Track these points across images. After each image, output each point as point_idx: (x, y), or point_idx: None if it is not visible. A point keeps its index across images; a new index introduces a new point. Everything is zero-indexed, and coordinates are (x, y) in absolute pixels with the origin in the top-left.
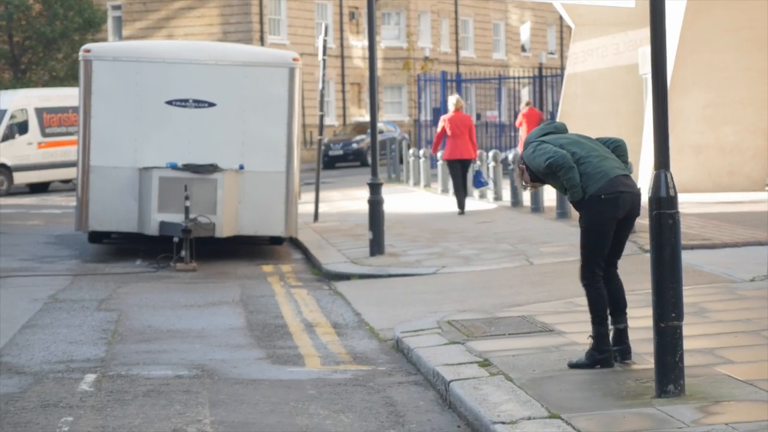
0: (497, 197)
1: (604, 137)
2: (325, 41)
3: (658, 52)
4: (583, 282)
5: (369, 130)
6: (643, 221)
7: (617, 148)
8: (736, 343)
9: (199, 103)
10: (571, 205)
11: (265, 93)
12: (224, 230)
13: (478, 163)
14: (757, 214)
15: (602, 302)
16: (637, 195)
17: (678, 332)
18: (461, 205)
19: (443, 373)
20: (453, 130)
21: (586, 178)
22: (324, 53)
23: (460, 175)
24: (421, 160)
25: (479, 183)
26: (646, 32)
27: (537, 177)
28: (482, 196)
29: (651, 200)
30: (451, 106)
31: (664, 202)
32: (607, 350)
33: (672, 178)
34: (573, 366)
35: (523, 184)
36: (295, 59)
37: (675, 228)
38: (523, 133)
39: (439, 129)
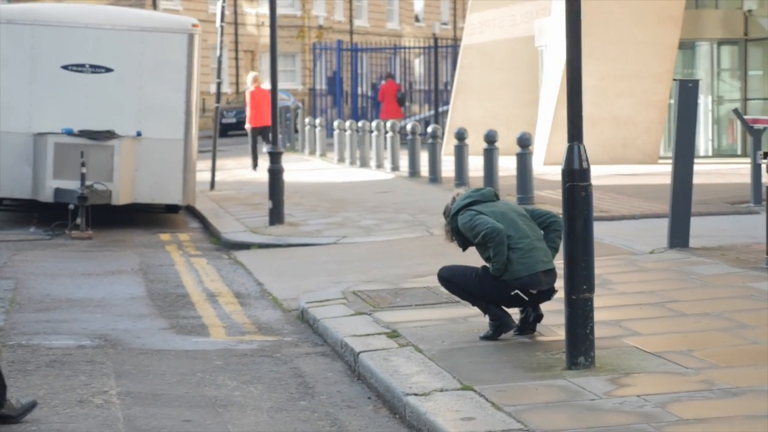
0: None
1: (539, 210)
2: (223, 7)
3: (573, 26)
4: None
5: None
6: (541, 193)
7: (552, 223)
8: (641, 315)
9: (95, 69)
10: (469, 175)
11: (163, 59)
12: (121, 197)
13: None
14: (651, 186)
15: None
16: (551, 291)
17: (589, 304)
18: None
19: (352, 344)
20: (255, 102)
21: (509, 263)
22: (222, 19)
23: (256, 139)
24: (317, 129)
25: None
26: (542, 4)
27: (463, 240)
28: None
29: (564, 172)
30: (250, 83)
31: (577, 174)
32: (500, 315)
33: (585, 150)
34: (483, 338)
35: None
36: (194, 25)
37: (587, 200)
38: (384, 107)
39: (248, 103)
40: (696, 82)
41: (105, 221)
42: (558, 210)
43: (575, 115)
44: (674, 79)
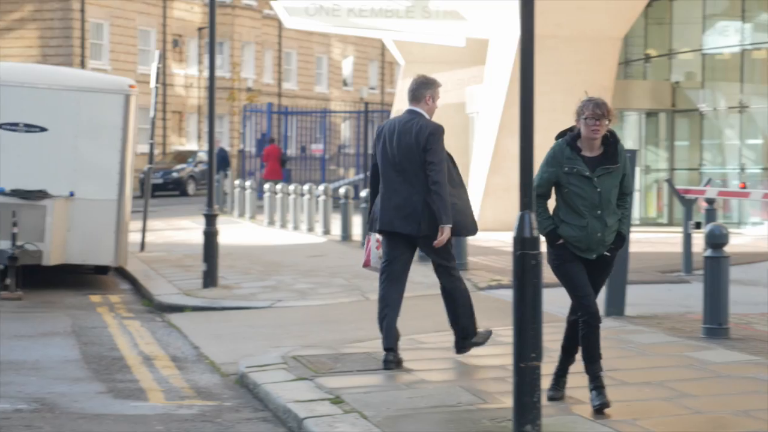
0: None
1: None
2: (158, 68)
3: (526, 96)
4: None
5: (190, 159)
6: (474, 259)
7: None
8: (582, 383)
9: (30, 128)
10: None
11: (99, 119)
12: (52, 258)
13: None
14: None
15: None
16: None
17: (537, 372)
18: None
19: (295, 410)
20: None
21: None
22: (157, 80)
23: None
24: (248, 192)
25: None
26: (473, 71)
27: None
28: None
29: (515, 240)
30: None
31: (528, 243)
32: None
33: (535, 219)
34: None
35: (605, 121)
36: (131, 86)
37: (537, 269)
38: (268, 168)
39: None
40: (633, 152)
41: (34, 281)
42: (491, 276)
43: (527, 184)
44: None
